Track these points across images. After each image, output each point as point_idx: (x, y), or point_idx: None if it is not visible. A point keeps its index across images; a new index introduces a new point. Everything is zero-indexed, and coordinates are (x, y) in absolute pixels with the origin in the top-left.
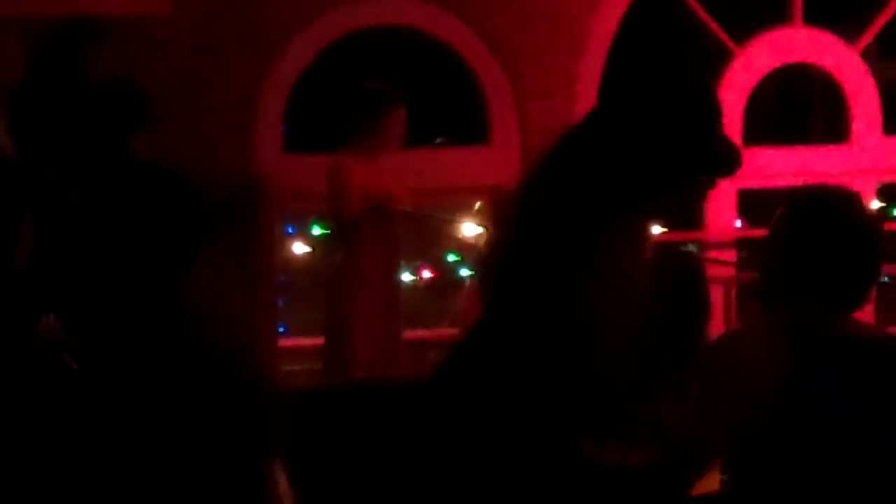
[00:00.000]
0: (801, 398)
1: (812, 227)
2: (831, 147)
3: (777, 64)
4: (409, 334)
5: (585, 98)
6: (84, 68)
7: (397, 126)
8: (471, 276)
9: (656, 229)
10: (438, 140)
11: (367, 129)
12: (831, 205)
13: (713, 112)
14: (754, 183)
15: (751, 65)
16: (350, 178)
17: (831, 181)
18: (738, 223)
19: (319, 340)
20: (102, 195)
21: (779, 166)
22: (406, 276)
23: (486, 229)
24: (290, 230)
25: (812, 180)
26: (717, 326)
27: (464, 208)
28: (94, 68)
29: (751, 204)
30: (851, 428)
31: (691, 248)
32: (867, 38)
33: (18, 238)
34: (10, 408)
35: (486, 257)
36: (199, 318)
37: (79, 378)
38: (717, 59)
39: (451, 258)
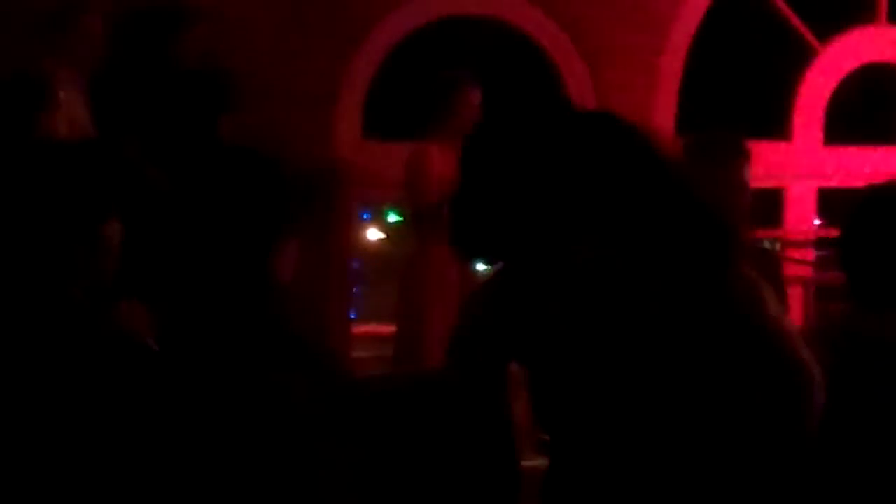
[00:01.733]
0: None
1: (864, 225)
2: None
3: (860, 63)
4: None
5: (666, 93)
6: (172, 49)
7: (471, 110)
8: None
9: None
10: None
11: (442, 116)
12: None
13: None
14: (835, 182)
15: (834, 63)
16: (429, 166)
17: None
18: (818, 222)
19: (389, 327)
20: (189, 176)
21: (859, 166)
22: (480, 266)
23: None
24: (366, 216)
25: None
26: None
27: None
28: (181, 49)
29: (831, 204)
30: None
31: (767, 245)
32: None
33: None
34: (92, 392)
35: None
36: (283, 302)
37: (161, 361)
38: (801, 57)
39: None
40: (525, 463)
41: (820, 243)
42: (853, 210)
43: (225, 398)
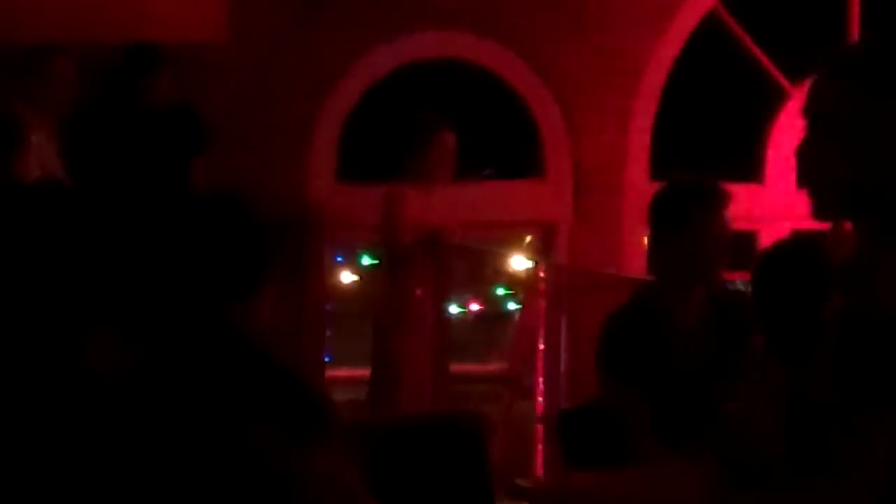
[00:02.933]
0: None
1: (770, 284)
2: None
3: None
4: (456, 367)
5: (639, 136)
6: (142, 94)
7: (446, 156)
8: (518, 309)
9: None
10: (487, 171)
11: (417, 160)
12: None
13: None
14: (808, 224)
15: None
16: (404, 208)
17: None
18: None
19: (364, 371)
20: (164, 223)
21: None
22: (454, 309)
23: (536, 263)
24: (339, 259)
25: None
26: None
27: (514, 242)
28: (152, 95)
29: None
30: None
31: (741, 286)
32: None
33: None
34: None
35: None
36: (262, 346)
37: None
38: (773, 100)
39: (500, 291)
40: None
41: None
42: (757, 270)
43: (205, 454)
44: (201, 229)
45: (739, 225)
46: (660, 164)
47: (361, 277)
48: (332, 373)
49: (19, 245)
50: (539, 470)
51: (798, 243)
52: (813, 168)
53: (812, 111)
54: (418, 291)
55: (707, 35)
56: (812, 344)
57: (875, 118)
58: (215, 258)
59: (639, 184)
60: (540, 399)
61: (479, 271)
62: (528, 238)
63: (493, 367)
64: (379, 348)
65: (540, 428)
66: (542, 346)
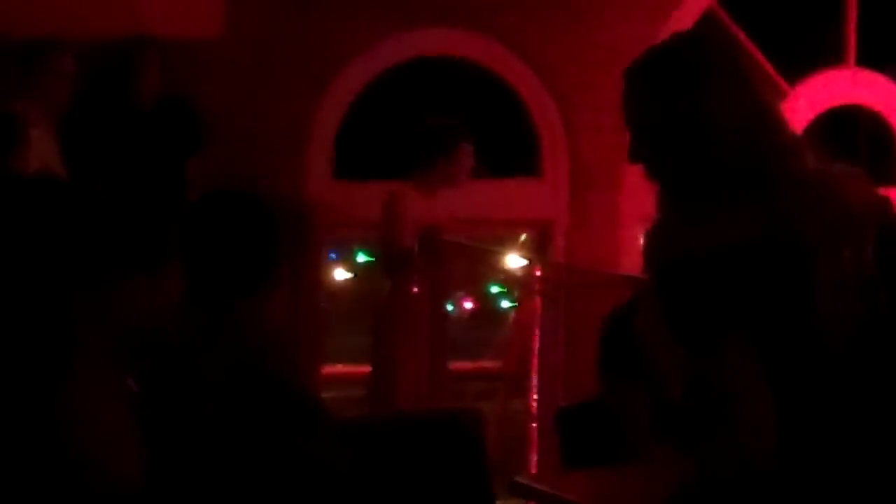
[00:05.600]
0: None
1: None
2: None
3: (830, 105)
4: (451, 365)
5: None
6: (138, 90)
7: (468, 160)
8: (513, 307)
9: None
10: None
11: (436, 164)
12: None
13: None
14: None
15: (803, 106)
16: (406, 209)
17: None
18: None
19: (359, 368)
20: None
21: None
22: (447, 307)
23: (531, 261)
24: (333, 256)
25: None
26: None
27: (509, 240)
28: (147, 90)
29: None
30: None
31: None
32: None
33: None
34: None
35: None
36: (276, 349)
37: (140, 401)
38: None
39: (494, 289)
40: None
41: None
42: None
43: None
44: (216, 224)
45: None
46: None
47: (356, 275)
48: (327, 370)
49: (20, 237)
50: (534, 468)
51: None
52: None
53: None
54: (415, 289)
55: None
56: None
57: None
58: (229, 252)
59: (636, 182)
60: (535, 397)
61: (474, 269)
62: (524, 236)
63: (488, 364)
64: (378, 346)
65: (535, 426)
66: (537, 345)
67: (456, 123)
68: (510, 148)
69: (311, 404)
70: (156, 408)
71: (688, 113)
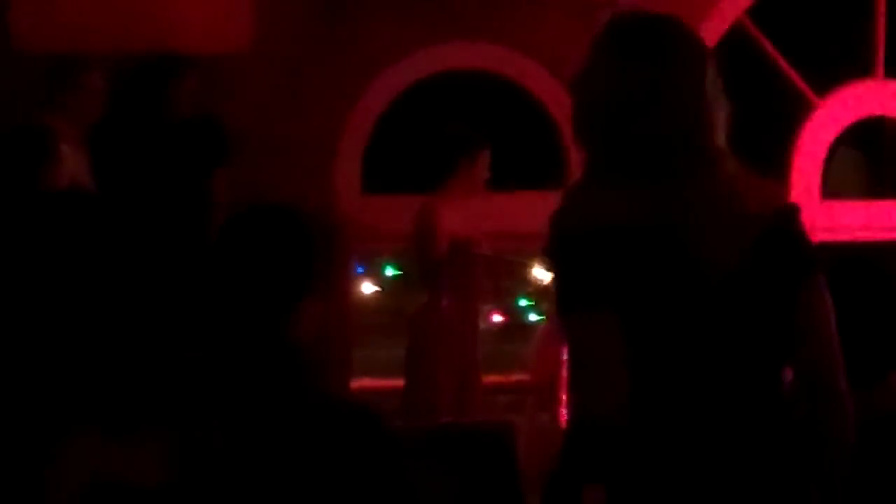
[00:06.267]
0: None
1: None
2: None
3: (857, 117)
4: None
5: None
6: (167, 104)
7: (481, 169)
8: (541, 320)
9: None
10: None
11: (458, 168)
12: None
13: None
14: (833, 236)
15: (832, 118)
16: (438, 221)
17: None
18: None
19: (385, 381)
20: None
21: (857, 219)
22: (478, 319)
23: None
24: (360, 269)
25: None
26: None
27: (537, 252)
28: (176, 105)
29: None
30: None
31: None
32: None
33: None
34: None
35: None
36: (308, 364)
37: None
38: (799, 112)
39: (523, 302)
40: None
41: None
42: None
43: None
44: (252, 239)
45: None
46: None
47: (383, 288)
48: (355, 383)
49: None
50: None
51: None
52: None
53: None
54: (445, 302)
55: (733, 47)
56: None
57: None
58: (266, 267)
59: None
60: (564, 410)
61: (503, 282)
62: None
63: (517, 377)
64: (413, 359)
65: (564, 439)
66: (565, 357)
67: (468, 130)
68: (537, 160)
69: (367, 415)
70: (199, 426)
71: (651, 86)
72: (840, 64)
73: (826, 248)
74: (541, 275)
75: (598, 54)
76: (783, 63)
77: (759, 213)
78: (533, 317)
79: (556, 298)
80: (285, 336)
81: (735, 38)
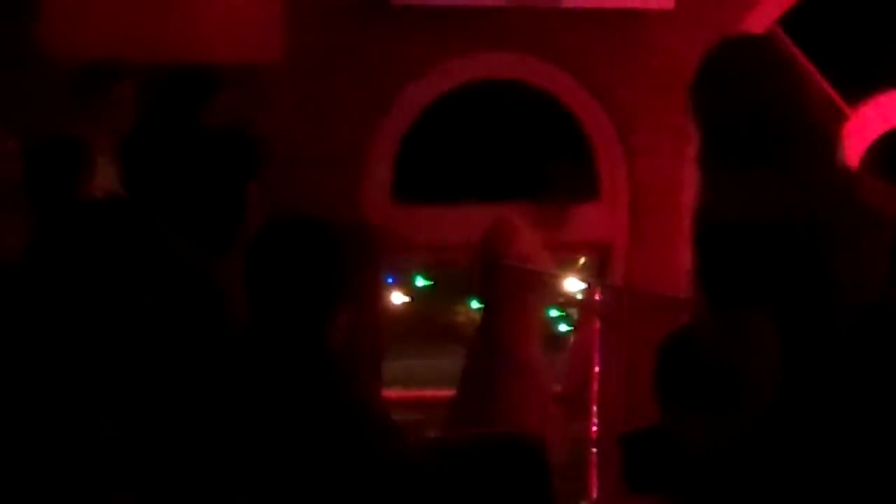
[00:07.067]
0: None
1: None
2: None
3: (890, 127)
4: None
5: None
6: (199, 115)
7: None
8: (571, 331)
9: None
10: None
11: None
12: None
13: None
14: None
15: (864, 128)
16: (514, 231)
17: None
18: None
19: (414, 392)
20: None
21: None
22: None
23: (589, 285)
24: (390, 280)
25: None
26: None
27: (568, 263)
28: (209, 116)
29: None
30: None
31: None
32: None
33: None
34: None
35: None
36: (340, 368)
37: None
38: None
39: (553, 313)
40: None
41: None
42: None
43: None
44: (284, 251)
45: None
46: None
47: (413, 298)
48: (387, 393)
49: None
50: (594, 493)
51: None
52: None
53: None
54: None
55: None
56: None
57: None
58: (294, 277)
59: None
60: (595, 421)
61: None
62: (583, 259)
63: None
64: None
65: (595, 451)
66: (596, 369)
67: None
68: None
69: (393, 428)
70: (235, 436)
71: (761, 97)
72: (872, 74)
73: None
74: (571, 286)
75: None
76: (815, 72)
77: (879, 214)
78: (563, 327)
79: (709, 290)
80: (318, 343)
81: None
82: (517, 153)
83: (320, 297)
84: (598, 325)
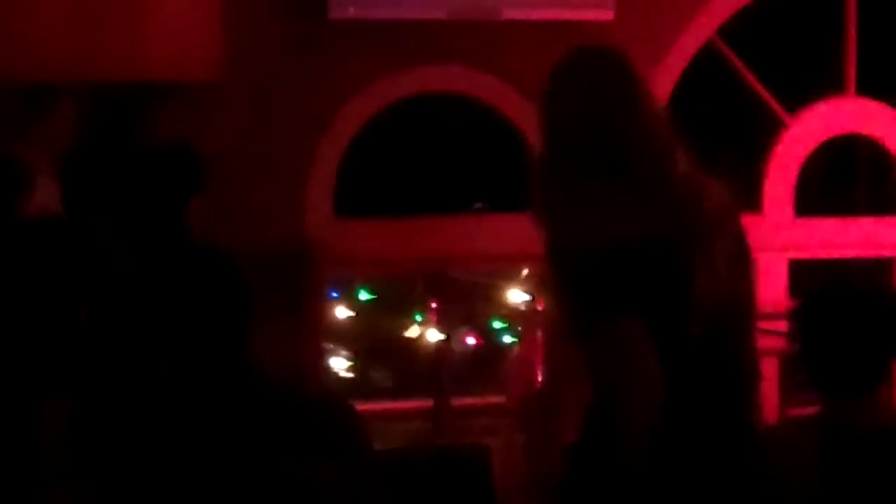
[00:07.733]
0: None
1: (819, 315)
2: (887, 218)
3: (829, 135)
4: (456, 401)
5: None
6: (139, 132)
7: None
8: (515, 343)
9: None
10: (478, 205)
11: None
12: (837, 292)
13: None
14: (807, 254)
15: (803, 135)
16: None
17: (886, 253)
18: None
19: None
20: (153, 262)
21: (831, 237)
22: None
23: (533, 296)
24: (334, 294)
25: (868, 252)
26: (770, 399)
27: (510, 275)
28: (149, 133)
29: (802, 275)
30: None
31: None
32: None
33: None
34: None
35: None
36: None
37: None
38: (770, 130)
39: (497, 325)
40: None
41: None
42: (804, 308)
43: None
44: (182, 280)
45: None
46: None
47: (357, 313)
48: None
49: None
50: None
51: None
52: None
53: None
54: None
55: (704, 65)
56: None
57: None
58: (197, 307)
59: None
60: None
61: (476, 305)
62: (526, 271)
63: (493, 400)
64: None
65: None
66: (539, 380)
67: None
68: (509, 183)
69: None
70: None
71: (603, 110)
72: (811, 82)
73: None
74: (515, 297)
75: (562, 80)
76: (754, 81)
77: (720, 216)
78: (507, 339)
79: (581, 310)
80: (236, 358)
81: (706, 57)
82: (459, 166)
83: (224, 321)
84: (541, 336)
